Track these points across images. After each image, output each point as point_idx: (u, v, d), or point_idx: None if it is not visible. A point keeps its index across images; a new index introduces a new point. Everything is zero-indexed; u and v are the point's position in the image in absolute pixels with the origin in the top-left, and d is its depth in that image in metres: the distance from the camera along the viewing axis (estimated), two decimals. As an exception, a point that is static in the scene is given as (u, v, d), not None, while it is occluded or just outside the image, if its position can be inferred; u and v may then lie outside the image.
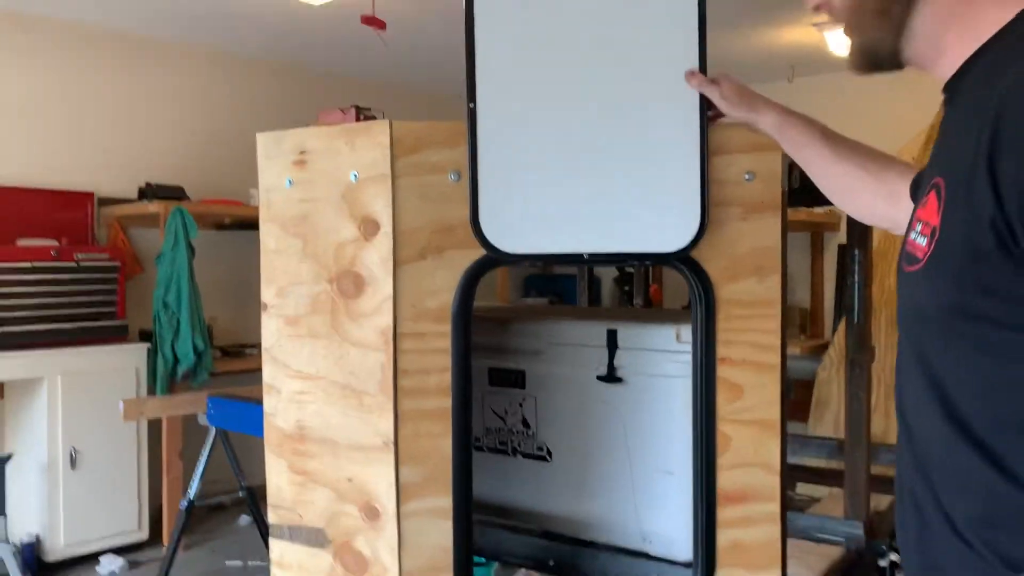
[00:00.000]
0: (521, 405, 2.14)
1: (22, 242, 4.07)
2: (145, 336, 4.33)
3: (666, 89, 1.50)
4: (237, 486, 4.26)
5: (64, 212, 4.40)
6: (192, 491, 3.78)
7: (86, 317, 4.08)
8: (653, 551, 1.91)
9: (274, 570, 1.66)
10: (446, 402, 1.52)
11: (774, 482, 1.55)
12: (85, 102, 4.55)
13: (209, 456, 3.81)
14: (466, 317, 1.51)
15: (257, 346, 4.95)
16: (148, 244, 4.63)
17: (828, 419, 4.35)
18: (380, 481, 1.51)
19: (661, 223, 1.50)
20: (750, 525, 1.59)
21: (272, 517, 1.65)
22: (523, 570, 4.09)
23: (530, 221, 1.49)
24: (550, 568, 2.03)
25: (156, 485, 4.28)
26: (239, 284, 5.15)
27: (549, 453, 2.08)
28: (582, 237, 1.50)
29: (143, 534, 4.23)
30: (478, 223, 1.48)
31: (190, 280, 4.16)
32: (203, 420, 3.81)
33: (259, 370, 4.83)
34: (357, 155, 1.52)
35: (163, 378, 4.14)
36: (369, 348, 1.52)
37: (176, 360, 4.16)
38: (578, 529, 2.06)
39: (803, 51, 5.28)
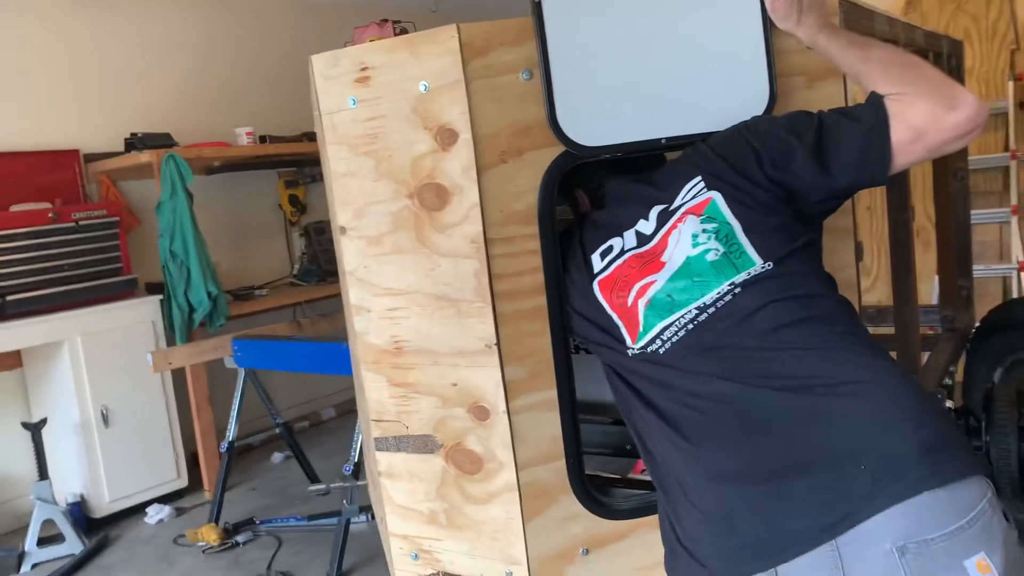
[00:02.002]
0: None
1: (15, 208, 3.97)
2: (153, 288, 4.28)
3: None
4: (264, 426, 4.33)
5: (51, 173, 4.27)
6: (231, 433, 3.83)
7: (93, 276, 4.01)
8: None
9: (383, 481, 1.72)
10: (540, 301, 1.56)
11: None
12: (59, 57, 4.38)
13: (241, 397, 3.85)
14: (552, 215, 1.54)
15: (265, 286, 4.96)
16: (140, 196, 4.54)
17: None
18: (487, 382, 1.56)
19: (733, 100, 1.52)
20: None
21: (376, 431, 1.70)
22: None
23: (606, 112, 1.51)
24: (627, 452, 2.12)
25: (188, 432, 4.32)
26: (237, 226, 5.10)
27: (613, 345, 2.14)
28: (658, 123, 1.52)
29: (183, 481, 4.28)
30: (556, 120, 1.49)
31: (193, 226, 4.10)
32: (230, 363, 3.83)
33: (269, 310, 4.82)
34: (424, 64, 1.51)
35: (181, 327, 4.13)
36: (460, 257, 1.54)
37: (191, 308, 4.14)
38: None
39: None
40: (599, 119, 1.50)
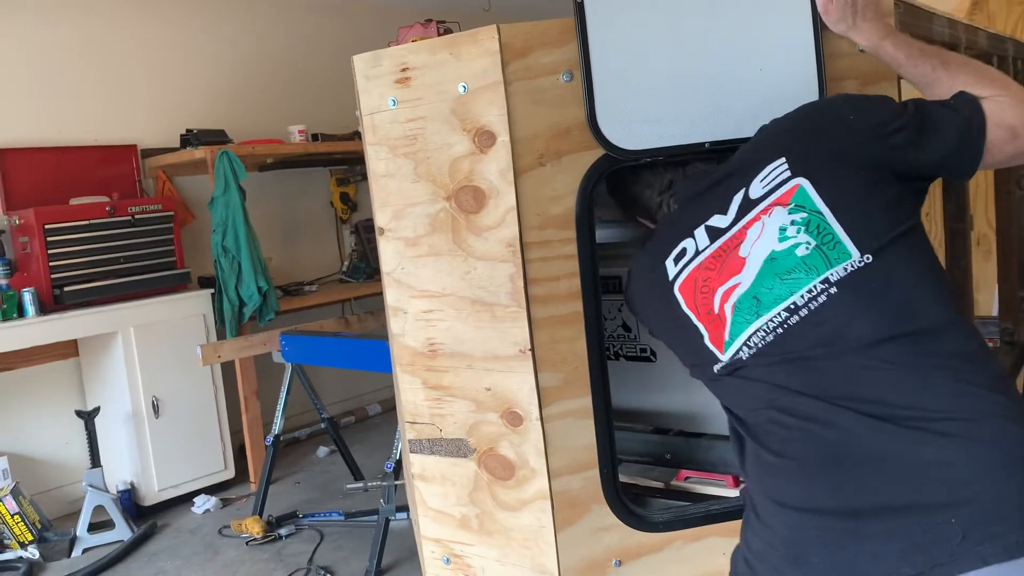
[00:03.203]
0: (620, 310, 2.15)
1: (75, 201, 4.08)
2: (205, 282, 4.36)
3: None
4: (311, 420, 4.36)
5: (110, 167, 4.38)
6: (277, 427, 3.88)
7: (148, 269, 4.11)
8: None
9: (417, 483, 1.71)
10: (577, 306, 1.53)
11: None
12: (119, 54, 4.49)
13: (288, 392, 3.90)
14: (590, 220, 1.51)
15: (315, 283, 5.01)
16: (195, 191, 4.63)
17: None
18: (521, 388, 1.54)
19: (780, 104, 1.47)
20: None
21: (410, 433, 1.69)
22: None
23: (648, 115, 1.47)
24: (667, 462, 2.08)
25: (235, 425, 4.39)
26: (288, 223, 5.17)
27: (653, 354, 2.10)
28: (701, 127, 1.49)
29: (229, 472, 4.35)
30: (596, 122, 1.47)
31: (245, 222, 4.16)
32: (278, 358, 3.88)
33: (319, 306, 4.87)
34: (464, 65, 1.50)
35: (231, 321, 4.20)
36: (496, 260, 1.52)
37: (242, 302, 4.20)
38: (689, 423, 2.09)
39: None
40: (640, 122, 1.47)
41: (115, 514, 3.75)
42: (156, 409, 4.05)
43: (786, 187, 1.31)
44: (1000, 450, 1.13)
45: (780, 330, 1.27)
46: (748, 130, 1.48)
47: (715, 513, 1.61)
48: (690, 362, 1.43)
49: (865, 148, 1.30)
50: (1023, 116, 1.29)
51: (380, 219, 1.64)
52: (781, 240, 1.29)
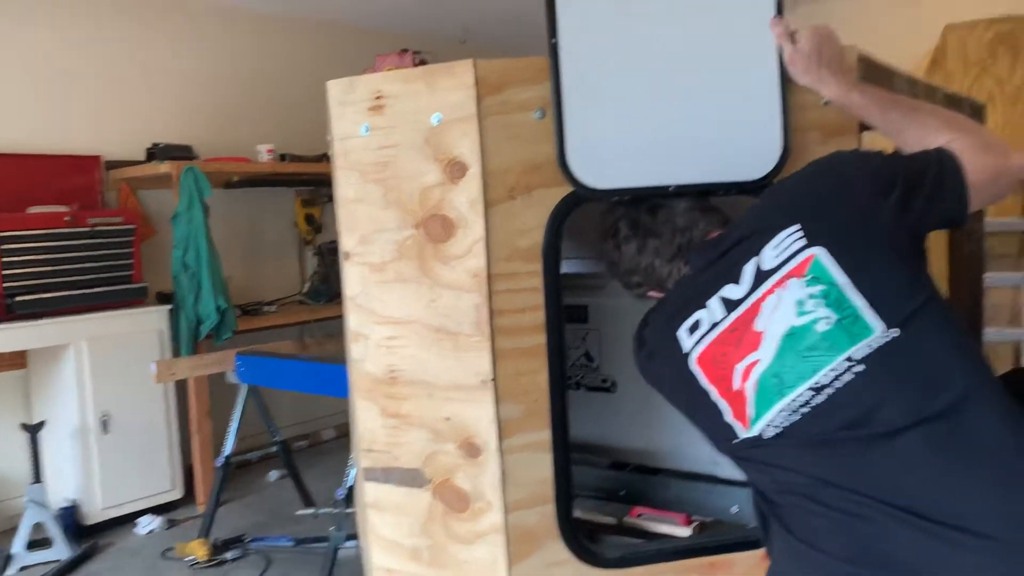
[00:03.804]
0: (584, 339, 2.17)
1: (33, 210, 4.01)
2: (163, 298, 4.30)
3: (746, 20, 1.50)
4: (264, 443, 4.31)
5: (72, 177, 4.31)
6: (228, 448, 3.81)
7: (104, 282, 4.03)
8: (723, 473, 1.97)
9: (370, 512, 1.70)
10: (540, 339, 1.55)
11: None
12: (86, 63, 4.44)
13: (242, 413, 3.84)
14: (556, 255, 1.53)
15: (274, 303, 4.96)
16: (158, 205, 4.57)
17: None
18: (481, 419, 1.54)
19: (744, 152, 1.52)
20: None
21: (365, 461, 1.68)
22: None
23: (616, 156, 1.50)
24: (621, 498, 2.09)
25: (186, 445, 4.31)
26: (251, 242, 5.13)
27: (614, 384, 2.12)
28: (667, 170, 1.51)
29: (177, 493, 4.26)
30: (565, 160, 1.49)
31: (208, 239, 4.12)
32: (232, 378, 3.82)
33: (277, 327, 4.82)
34: (439, 97, 1.51)
35: (187, 339, 4.14)
36: (462, 290, 1.53)
37: (199, 320, 4.15)
38: (646, 458, 2.11)
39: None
40: (609, 162, 1.50)
41: (55, 532, 3.65)
42: (105, 425, 3.97)
43: (801, 257, 1.26)
44: None
45: (805, 409, 1.23)
46: (713, 176, 1.52)
47: (667, 551, 1.62)
48: (710, 436, 1.39)
49: (878, 210, 1.26)
50: (995, 155, 1.30)
51: (346, 243, 1.64)
52: (800, 315, 1.25)
